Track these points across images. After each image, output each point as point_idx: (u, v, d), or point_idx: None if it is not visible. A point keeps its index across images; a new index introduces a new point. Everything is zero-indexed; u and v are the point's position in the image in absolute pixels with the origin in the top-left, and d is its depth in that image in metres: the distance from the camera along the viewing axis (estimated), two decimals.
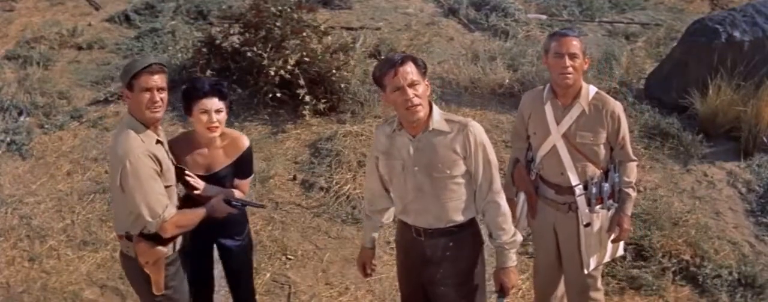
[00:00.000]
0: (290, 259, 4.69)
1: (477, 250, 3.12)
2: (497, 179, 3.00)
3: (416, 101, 2.83)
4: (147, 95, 2.94)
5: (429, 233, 3.04)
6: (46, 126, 6.01)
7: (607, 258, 3.63)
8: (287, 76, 5.87)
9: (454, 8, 8.29)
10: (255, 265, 4.02)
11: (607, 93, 3.49)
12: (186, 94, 3.23)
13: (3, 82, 6.59)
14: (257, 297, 3.83)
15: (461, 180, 2.96)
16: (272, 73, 5.81)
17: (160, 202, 2.92)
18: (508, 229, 3.03)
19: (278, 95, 5.93)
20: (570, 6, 8.50)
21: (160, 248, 3.03)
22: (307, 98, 5.88)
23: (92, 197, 5.21)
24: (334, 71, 6.05)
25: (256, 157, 4.05)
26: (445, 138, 2.92)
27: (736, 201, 5.21)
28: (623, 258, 4.37)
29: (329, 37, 6.40)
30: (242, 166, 3.36)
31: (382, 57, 6.97)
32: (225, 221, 3.31)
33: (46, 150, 5.76)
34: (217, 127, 3.19)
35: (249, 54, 6.06)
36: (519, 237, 3.08)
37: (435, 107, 2.96)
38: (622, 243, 3.65)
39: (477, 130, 2.93)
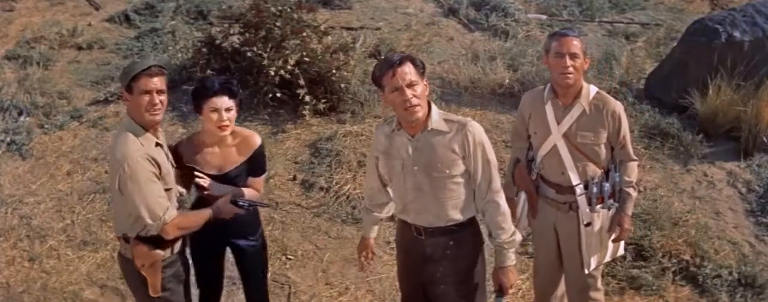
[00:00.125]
0: (290, 259, 4.69)
1: (477, 249, 3.13)
2: (496, 179, 3.00)
3: (415, 101, 2.84)
4: (146, 98, 2.93)
5: (429, 231, 3.04)
6: (46, 126, 6.01)
7: (607, 258, 3.64)
8: (287, 76, 5.87)
9: (454, 8, 8.29)
10: None
11: (607, 93, 3.49)
12: (196, 93, 3.23)
13: (3, 82, 6.59)
14: None
15: (460, 180, 2.96)
16: (272, 73, 5.81)
17: (160, 205, 2.92)
18: (508, 228, 3.03)
19: (278, 95, 5.93)
20: (570, 6, 8.50)
21: (157, 251, 3.02)
22: (307, 98, 5.88)
23: (92, 197, 5.21)
24: (334, 71, 6.05)
25: None
26: (443, 138, 2.92)
27: (736, 201, 5.21)
28: (623, 258, 4.37)
29: (329, 37, 6.39)
30: (255, 164, 3.36)
31: (382, 57, 6.97)
32: (238, 222, 3.30)
33: (46, 150, 5.76)
34: (227, 125, 3.19)
35: (249, 54, 6.06)
36: (518, 237, 3.08)
37: (434, 107, 2.96)
38: (622, 243, 3.66)
39: (476, 129, 2.94)
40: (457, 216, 3.01)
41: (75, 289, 4.44)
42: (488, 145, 2.97)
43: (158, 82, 2.95)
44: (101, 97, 6.41)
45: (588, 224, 3.44)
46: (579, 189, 3.39)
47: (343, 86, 6.11)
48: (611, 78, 6.40)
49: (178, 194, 3.22)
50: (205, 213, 3.13)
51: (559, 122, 3.37)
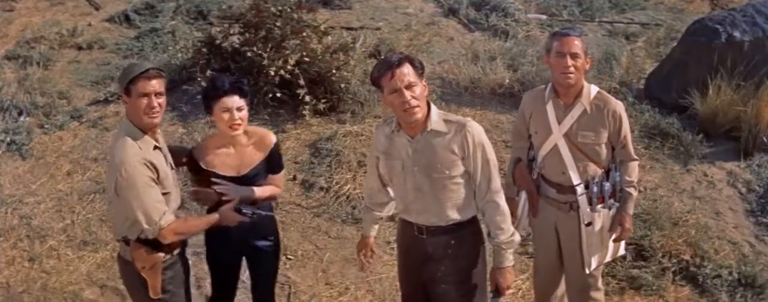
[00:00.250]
0: (290, 259, 4.68)
1: (478, 248, 3.13)
2: (496, 179, 3.00)
3: (413, 102, 2.83)
4: (144, 101, 2.93)
5: (431, 230, 3.05)
6: (46, 126, 6.01)
7: (608, 258, 3.64)
8: (287, 76, 5.86)
9: (454, 8, 8.29)
10: None
11: (608, 93, 3.50)
12: (206, 94, 3.23)
13: (3, 82, 6.58)
14: None
15: (460, 180, 2.96)
16: (272, 73, 5.81)
17: (156, 209, 2.91)
18: (507, 229, 3.03)
19: (278, 95, 5.93)
20: (570, 6, 8.50)
21: (157, 253, 3.02)
22: (307, 98, 5.88)
23: (92, 197, 5.21)
24: (334, 71, 6.05)
25: None
26: (443, 139, 2.92)
27: (736, 201, 5.21)
28: (623, 258, 4.37)
29: (329, 37, 6.39)
30: (273, 162, 3.36)
31: (382, 57, 6.97)
32: (259, 224, 3.32)
33: (46, 150, 5.76)
34: (239, 124, 3.18)
35: (249, 54, 6.06)
36: (517, 238, 3.08)
37: (433, 108, 2.96)
38: (623, 243, 3.66)
39: (475, 130, 2.93)
40: (458, 216, 3.01)
41: (75, 289, 4.44)
42: (488, 145, 2.97)
43: (156, 84, 2.95)
44: (101, 97, 6.41)
45: (589, 224, 3.44)
46: (580, 189, 3.39)
47: (343, 86, 6.11)
48: (611, 78, 6.41)
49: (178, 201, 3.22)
50: (205, 220, 3.13)
51: (560, 122, 3.37)
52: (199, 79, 6.31)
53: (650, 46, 7.48)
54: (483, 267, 3.17)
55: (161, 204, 2.94)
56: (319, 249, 4.79)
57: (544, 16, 8.27)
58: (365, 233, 3.44)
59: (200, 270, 4.46)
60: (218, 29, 6.68)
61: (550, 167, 3.45)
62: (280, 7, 6.19)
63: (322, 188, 5.26)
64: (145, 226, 2.92)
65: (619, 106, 3.36)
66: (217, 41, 6.36)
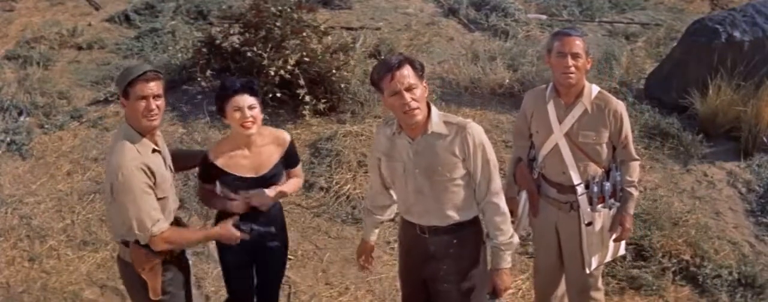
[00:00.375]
0: (290, 259, 4.67)
1: (479, 248, 3.13)
2: (496, 180, 3.00)
3: (414, 104, 2.82)
4: (143, 103, 2.91)
5: (433, 230, 3.05)
6: (46, 126, 6.01)
7: (608, 258, 3.64)
8: (287, 76, 5.86)
9: (454, 8, 8.29)
10: None
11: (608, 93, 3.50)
12: (217, 95, 3.22)
13: (3, 82, 6.58)
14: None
15: (461, 182, 2.96)
16: (272, 73, 5.81)
17: (150, 217, 2.89)
18: (506, 230, 3.03)
19: (278, 95, 5.93)
20: (570, 6, 8.50)
21: (157, 255, 3.02)
22: (307, 98, 5.88)
23: (92, 197, 5.21)
24: (334, 71, 6.05)
25: None
26: (443, 141, 2.91)
27: (736, 201, 5.21)
28: (623, 258, 4.37)
29: (329, 37, 6.39)
30: (289, 158, 3.38)
31: (382, 57, 6.97)
32: (270, 225, 3.34)
33: (46, 150, 5.76)
34: (251, 122, 3.16)
35: (249, 54, 6.06)
36: (516, 239, 3.08)
37: (433, 109, 2.95)
38: (623, 243, 3.66)
39: (475, 131, 2.93)
40: (459, 217, 3.01)
41: (75, 289, 4.44)
42: (488, 146, 2.97)
43: (154, 87, 2.93)
44: (101, 97, 6.41)
45: (589, 224, 3.44)
46: (580, 189, 3.39)
47: (343, 86, 6.11)
48: (611, 78, 6.41)
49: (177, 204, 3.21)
50: (202, 234, 3.12)
51: (560, 122, 3.37)
52: (199, 79, 6.32)
53: (650, 46, 7.48)
54: (484, 267, 3.17)
55: (156, 212, 2.92)
56: (319, 249, 4.79)
57: (544, 16, 8.27)
58: (366, 237, 3.41)
59: (200, 270, 4.47)
60: (218, 29, 6.68)
61: (551, 166, 3.45)
62: (280, 7, 6.19)
63: (322, 188, 5.26)
64: (137, 232, 2.91)
65: (620, 106, 3.36)
66: (217, 41, 6.36)
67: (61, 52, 7.29)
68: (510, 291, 3.25)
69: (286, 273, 4.51)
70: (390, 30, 7.72)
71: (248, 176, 3.25)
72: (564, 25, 7.82)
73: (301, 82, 5.87)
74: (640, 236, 4.64)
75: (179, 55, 6.71)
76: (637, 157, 3.48)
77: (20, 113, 6.13)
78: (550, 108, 3.40)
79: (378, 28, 7.72)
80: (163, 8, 8.08)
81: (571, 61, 3.24)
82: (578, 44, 3.25)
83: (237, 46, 6.28)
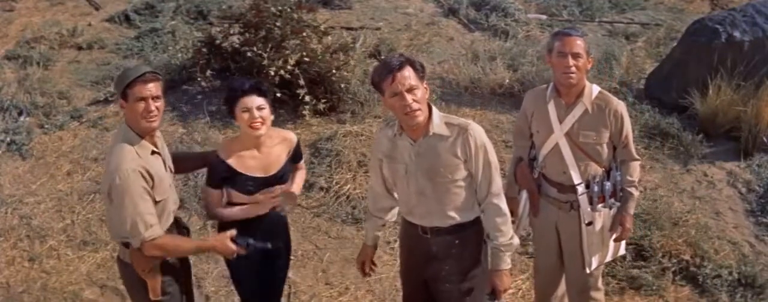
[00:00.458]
0: (290, 259, 4.67)
1: (480, 248, 3.12)
2: (497, 181, 2.99)
3: (415, 106, 2.81)
4: (142, 105, 2.90)
5: (435, 231, 3.04)
6: (46, 126, 6.01)
7: (609, 258, 3.64)
8: (287, 76, 5.86)
9: (454, 8, 8.29)
10: None
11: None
12: (226, 97, 3.22)
13: (3, 82, 6.58)
14: None
15: (463, 184, 2.96)
16: (272, 73, 5.81)
17: (144, 221, 2.88)
18: (506, 231, 3.02)
19: (278, 95, 5.92)
20: (570, 6, 8.50)
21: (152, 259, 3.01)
22: (307, 98, 5.88)
23: (92, 197, 5.21)
24: (334, 71, 6.05)
25: None
26: (445, 143, 2.91)
27: (736, 201, 5.21)
28: (623, 258, 4.37)
29: (329, 37, 6.39)
30: (295, 156, 3.41)
31: (382, 57, 6.97)
32: (275, 229, 3.35)
33: (46, 150, 5.76)
34: (260, 123, 3.15)
35: (249, 54, 6.06)
36: (516, 240, 3.07)
37: (435, 110, 2.94)
38: (623, 243, 3.66)
39: (477, 132, 2.92)
40: (461, 218, 3.01)
41: (75, 289, 4.44)
42: (490, 147, 2.96)
43: (153, 88, 2.92)
44: (101, 97, 6.41)
45: (589, 224, 3.44)
46: (580, 188, 3.40)
47: (343, 86, 6.11)
48: (611, 78, 6.41)
49: (176, 205, 3.20)
50: (195, 245, 3.08)
51: (561, 121, 3.37)
52: (199, 79, 6.32)
53: (650, 46, 7.48)
54: (485, 267, 3.17)
55: (151, 217, 2.90)
56: (319, 249, 4.79)
57: (544, 16, 8.27)
58: (367, 242, 3.38)
59: (200, 270, 4.47)
60: (218, 29, 6.68)
61: (551, 166, 3.46)
62: (280, 7, 6.19)
63: (322, 188, 5.26)
64: (130, 235, 2.90)
65: (620, 105, 3.36)
66: (217, 41, 6.36)
67: (61, 52, 7.29)
68: (510, 291, 3.25)
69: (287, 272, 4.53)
70: (390, 30, 7.72)
71: (258, 175, 3.24)
72: (564, 25, 7.82)
73: (301, 82, 5.87)
74: (640, 236, 4.64)
75: (179, 55, 6.71)
76: (637, 157, 3.48)
77: (20, 113, 6.12)
78: (551, 108, 3.40)
79: (378, 28, 7.72)
80: (163, 8, 8.07)
81: (571, 61, 3.25)
82: (579, 44, 3.26)
83: (237, 46, 6.28)
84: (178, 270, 3.17)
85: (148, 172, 2.91)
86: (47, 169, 5.55)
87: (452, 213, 2.99)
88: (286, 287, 4.40)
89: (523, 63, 6.70)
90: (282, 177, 3.31)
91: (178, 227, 3.24)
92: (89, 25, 7.92)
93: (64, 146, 5.80)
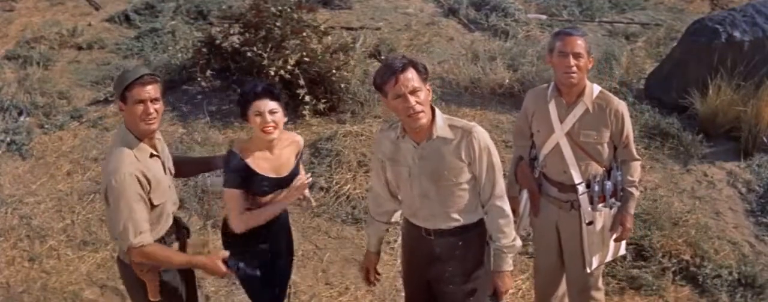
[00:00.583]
0: (293, 259, 4.68)
1: (483, 249, 3.12)
2: (500, 183, 2.99)
3: (418, 108, 2.80)
4: (140, 107, 2.89)
5: (438, 233, 3.04)
6: (46, 126, 6.01)
7: (609, 257, 3.64)
8: (287, 76, 5.86)
9: (454, 8, 8.29)
10: None
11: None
12: (238, 100, 3.21)
13: (3, 82, 6.58)
14: None
15: (467, 186, 2.95)
16: (272, 73, 5.81)
17: (135, 226, 2.86)
18: (509, 233, 3.02)
19: None
20: (570, 6, 8.50)
21: None
22: (307, 98, 5.88)
23: (92, 197, 5.21)
24: (334, 71, 6.05)
25: None
26: (449, 146, 2.90)
27: (736, 201, 5.21)
28: (623, 257, 4.37)
29: (329, 37, 6.39)
30: (300, 157, 3.44)
31: (382, 57, 6.97)
32: (280, 232, 3.37)
33: (46, 150, 5.76)
34: (273, 127, 3.12)
35: (249, 54, 6.06)
36: (518, 242, 3.07)
37: (438, 112, 2.93)
38: (624, 242, 3.66)
39: (481, 135, 2.91)
40: (465, 220, 3.01)
41: (75, 289, 4.44)
42: (493, 149, 2.95)
43: (152, 90, 2.91)
44: (101, 97, 6.41)
45: (590, 223, 3.44)
46: (581, 188, 3.40)
47: (343, 86, 6.11)
48: (611, 78, 6.41)
49: (175, 206, 3.19)
50: (184, 259, 3.03)
51: (562, 121, 3.38)
52: (199, 79, 6.32)
53: (650, 46, 7.48)
54: (488, 268, 3.17)
55: (143, 223, 2.88)
56: (319, 249, 4.79)
57: (544, 16, 8.27)
58: (370, 248, 3.34)
59: (200, 270, 4.46)
60: (218, 29, 6.68)
61: (552, 165, 3.46)
62: (280, 7, 6.19)
63: (322, 188, 5.26)
64: (119, 238, 2.89)
65: (621, 105, 3.36)
66: (217, 41, 6.36)
67: (61, 52, 7.29)
68: (510, 291, 3.25)
69: None
70: (390, 30, 7.72)
71: (273, 176, 3.23)
72: (564, 25, 7.82)
73: (301, 82, 5.87)
74: (640, 236, 4.64)
75: (179, 55, 6.71)
76: (638, 157, 3.49)
77: (20, 113, 6.13)
78: (552, 107, 3.40)
79: (378, 28, 7.72)
80: (163, 8, 8.08)
81: (572, 61, 3.25)
82: (580, 44, 3.26)
83: (237, 46, 6.28)
84: (178, 271, 3.16)
85: (145, 176, 2.90)
86: (47, 169, 5.55)
87: (456, 215, 2.99)
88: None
89: (523, 63, 6.70)
90: (293, 178, 3.31)
91: (178, 227, 3.23)
92: (89, 25, 7.92)
93: (64, 146, 5.80)
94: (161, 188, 2.99)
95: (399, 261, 4.40)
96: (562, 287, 3.78)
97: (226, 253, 3.06)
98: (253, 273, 3.12)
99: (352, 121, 5.98)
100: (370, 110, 6.10)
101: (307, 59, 5.98)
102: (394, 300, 4.32)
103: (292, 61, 5.88)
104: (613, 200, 3.44)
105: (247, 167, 3.17)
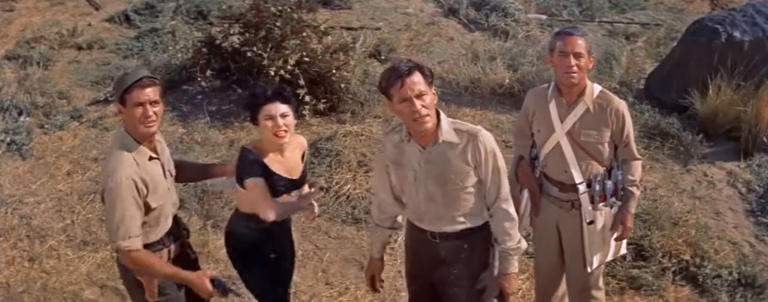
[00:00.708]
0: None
1: (489, 251, 3.12)
2: (506, 186, 2.99)
3: (424, 112, 2.79)
4: (139, 110, 2.89)
5: (444, 236, 3.03)
6: (46, 126, 6.01)
7: (610, 257, 3.64)
8: (287, 76, 5.86)
9: (454, 8, 8.29)
10: None
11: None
12: (248, 104, 3.19)
13: (3, 82, 6.58)
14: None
15: (472, 190, 2.94)
16: (272, 73, 5.81)
17: (126, 229, 2.85)
18: (514, 235, 3.02)
19: None
20: (570, 6, 8.50)
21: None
22: (307, 98, 5.88)
23: (92, 197, 5.21)
24: (334, 71, 6.06)
25: None
26: (455, 150, 2.89)
27: (736, 201, 5.21)
28: (623, 257, 4.37)
29: (329, 37, 6.39)
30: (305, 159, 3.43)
31: (383, 57, 6.98)
32: (282, 232, 3.37)
33: (46, 150, 5.76)
34: (285, 131, 3.11)
35: (249, 54, 6.06)
36: (524, 244, 3.07)
37: (443, 116, 2.92)
38: (624, 242, 3.66)
39: (487, 139, 2.91)
40: (471, 223, 3.00)
41: (75, 289, 4.44)
42: (499, 153, 2.95)
43: (151, 93, 2.90)
44: (101, 97, 6.41)
45: (591, 223, 3.44)
46: (582, 187, 3.40)
47: (343, 86, 6.11)
48: (611, 78, 6.41)
49: (175, 207, 3.19)
50: (171, 272, 2.98)
51: (562, 120, 3.38)
52: (199, 79, 6.32)
53: (650, 46, 7.48)
54: (493, 268, 3.17)
55: (134, 228, 2.87)
56: (319, 249, 4.79)
57: (544, 16, 8.27)
58: (374, 254, 3.31)
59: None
60: (218, 29, 6.68)
61: (553, 165, 3.46)
62: (280, 7, 6.19)
63: (322, 188, 5.25)
64: (110, 239, 2.88)
65: (622, 105, 3.37)
66: (217, 41, 6.36)
67: (61, 52, 7.29)
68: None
69: None
70: (390, 30, 7.72)
71: (288, 177, 3.22)
72: (564, 25, 7.81)
73: (301, 82, 5.87)
74: (640, 236, 4.63)
75: (179, 55, 6.71)
76: (638, 156, 3.48)
77: (20, 113, 6.12)
78: (552, 107, 3.40)
79: (378, 28, 7.72)
80: (163, 8, 8.08)
81: (573, 61, 3.25)
82: (581, 44, 3.27)
83: (237, 46, 6.28)
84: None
85: (142, 180, 2.89)
86: (47, 169, 5.55)
87: (461, 219, 2.98)
88: None
89: (523, 63, 6.70)
90: (304, 180, 3.31)
91: (179, 228, 3.23)
92: (89, 25, 7.92)
93: (64, 146, 5.80)
94: (159, 191, 2.98)
95: (399, 261, 4.40)
96: (563, 287, 3.78)
97: (213, 272, 3.03)
98: (237, 293, 3.11)
99: (352, 121, 5.98)
100: (370, 110, 6.10)
101: (307, 59, 5.98)
102: (394, 300, 4.31)
103: (292, 61, 5.88)
104: (613, 199, 3.44)
105: (266, 167, 3.15)
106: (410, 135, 2.93)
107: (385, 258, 4.53)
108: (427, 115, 2.80)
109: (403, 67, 2.81)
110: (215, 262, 4.52)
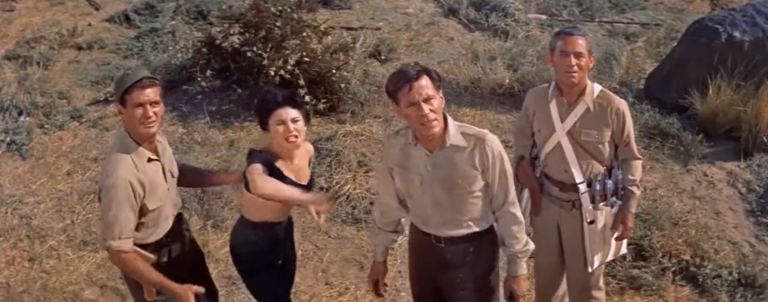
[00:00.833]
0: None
1: (494, 254, 3.12)
2: (512, 190, 2.99)
3: (431, 116, 2.77)
4: (139, 110, 2.89)
5: (449, 240, 3.02)
6: (46, 126, 6.01)
7: (610, 257, 3.64)
8: (287, 76, 5.86)
9: (454, 8, 8.29)
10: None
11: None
12: (258, 109, 3.17)
13: (3, 82, 6.58)
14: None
15: (479, 194, 2.94)
16: (272, 73, 5.81)
17: (120, 229, 2.86)
18: (522, 238, 3.02)
19: None
20: (570, 6, 8.50)
21: (149, 256, 3.00)
22: (307, 98, 5.87)
23: (92, 197, 5.20)
24: (334, 71, 6.05)
25: None
26: (463, 154, 2.88)
27: (736, 201, 5.21)
28: (623, 257, 4.37)
29: (329, 37, 6.39)
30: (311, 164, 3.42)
31: (383, 57, 6.98)
32: (285, 233, 3.37)
33: (46, 150, 5.76)
34: (296, 136, 3.08)
35: (249, 54, 6.06)
36: (531, 246, 3.07)
37: (450, 120, 2.91)
38: (625, 242, 3.66)
39: (494, 143, 2.90)
40: (477, 227, 3.00)
41: (75, 289, 4.44)
42: (505, 157, 2.94)
43: (151, 93, 2.90)
44: (101, 97, 6.41)
45: (591, 222, 3.45)
46: (582, 187, 3.40)
47: (343, 86, 6.10)
48: (611, 78, 6.41)
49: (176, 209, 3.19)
50: (157, 278, 2.95)
51: (563, 120, 3.38)
52: (199, 79, 6.32)
53: (650, 46, 7.48)
54: (498, 271, 3.17)
55: (126, 229, 2.87)
56: (319, 249, 4.79)
57: (544, 16, 8.27)
58: (378, 258, 3.29)
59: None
60: (218, 29, 6.68)
61: (553, 164, 3.46)
62: (280, 7, 6.19)
63: (322, 188, 5.25)
64: (102, 237, 2.88)
65: (622, 104, 3.37)
66: (217, 41, 6.36)
67: (61, 52, 7.29)
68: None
69: None
70: (390, 30, 7.72)
71: (298, 181, 3.19)
72: (564, 25, 7.81)
73: (301, 82, 5.87)
74: (640, 236, 4.63)
75: (179, 55, 6.71)
76: (639, 156, 3.49)
77: (20, 113, 6.12)
78: (553, 107, 3.40)
79: (378, 28, 7.72)
80: (163, 8, 8.07)
81: (573, 60, 3.25)
82: (581, 43, 3.27)
83: (237, 46, 6.28)
84: (179, 271, 3.15)
85: (140, 182, 2.89)
86: (47, 169, 5.55)
87: (468, 223, 2.97)
88: None
89: (523, 63, 6.69)
90: (312, 186, 3.30)
91: (181, 227, 3.23)
92: (89, 25, 7.92)
93: (64, 146, 5.80)
94: (158, 192, 2.98)
95: (399, 261, 4.40)
96: (563, 286, 3.79)
97: (201, 289, 2.99)
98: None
99: (352, 121, 5.97)
100: (370, 110, 6.10)
101: (307, 59, 5.98)
102: (394, 300, 4.31)
103: (292, 61, 5.88)
104: (614, 199, 3.44)
105: (279, 170, 3.12)
106: (417, 139, 2.91)
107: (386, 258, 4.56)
108: (435, 119, 2.79)
109: (412, 71, 2.79)
110: (215, 262, 4.52)
